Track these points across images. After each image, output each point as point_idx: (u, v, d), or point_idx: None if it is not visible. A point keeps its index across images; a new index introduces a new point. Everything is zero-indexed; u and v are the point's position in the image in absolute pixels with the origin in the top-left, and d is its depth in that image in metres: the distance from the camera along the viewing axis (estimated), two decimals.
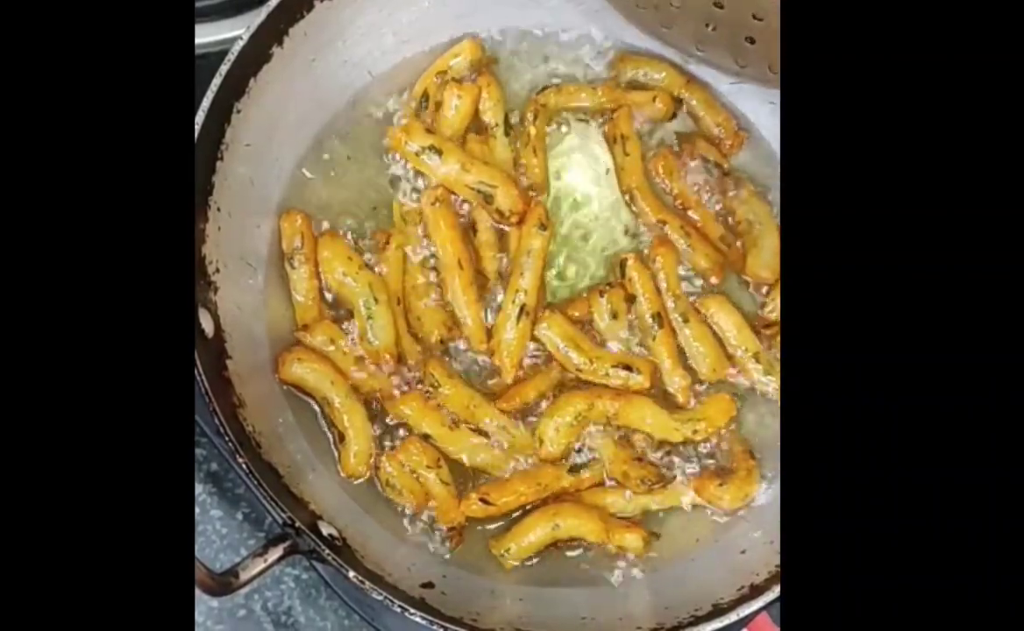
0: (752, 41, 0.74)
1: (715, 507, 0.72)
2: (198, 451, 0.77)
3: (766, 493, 0.72)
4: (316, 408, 0.72)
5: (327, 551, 0.62)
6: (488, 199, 0.76)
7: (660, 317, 0.75)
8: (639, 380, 0.73)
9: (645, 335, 0.75)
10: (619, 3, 0.79)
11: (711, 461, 0.73)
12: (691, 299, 0.77)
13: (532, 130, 0.79)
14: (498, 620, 0.66)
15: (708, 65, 0.80)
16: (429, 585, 0.67)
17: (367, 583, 0.62)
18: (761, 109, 0.82)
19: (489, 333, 0.75)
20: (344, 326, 0.74)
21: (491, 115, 0.80)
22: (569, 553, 0.71)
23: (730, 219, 0.80)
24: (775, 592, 0.64)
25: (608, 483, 0.72)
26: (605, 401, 0.72)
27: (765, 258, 0.78)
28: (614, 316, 0.75)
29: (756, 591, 0.65)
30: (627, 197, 0.80)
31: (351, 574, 0.61)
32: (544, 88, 0.82)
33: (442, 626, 0.62)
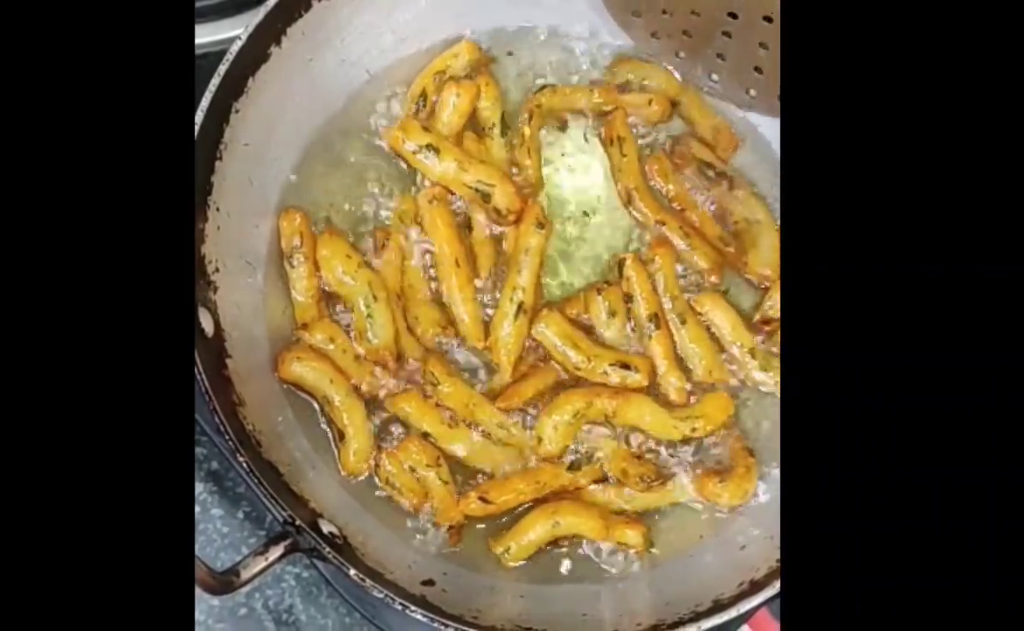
0: (760, 70, 0.75)
1: (714, 504, 0.72)
2: (198, 450, 0.77)
3: (766, 491, 0.73)
4: (316, 407, 0.72)
5: (328, 549, 0.62)
6: (486, 198, 0.76)
7: (657, 317, 0.75)
8: (637, 378, 0.73)
9: (641, 335, 0.75)
10: (636, 33, 0.80)
11: (710, 457, 0.73)
12: (687, 297, 0.77)
13: (526, 130, 0.79)
14: (499, 617, 0.66)
15: (721, 97, 0.81)
16: (430, 582, 0.67)
17: (368, 581, 0.62)
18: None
19: (487, 331, 0.75)
20: (344, 324, 0.74)
21: (489, 114, 0.80)
22: (570, 550, 0.71)
23: (727, 219, 0.80)
24: (775, 588, 0.64)
25: (607, 481, 0.72)
26: (604, 399, 0.72)
27: (765, 256, 0.78)
28: (612, 315, 0.75)
29: (756, 587, 0.65)
30: (625, 199, 0.79)
31: (352, 572, 0.62)
32: (541, 88, 0.82)
33: (443, 623, 0.62)
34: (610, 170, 0.80)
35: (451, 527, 0.70)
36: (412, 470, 0.70)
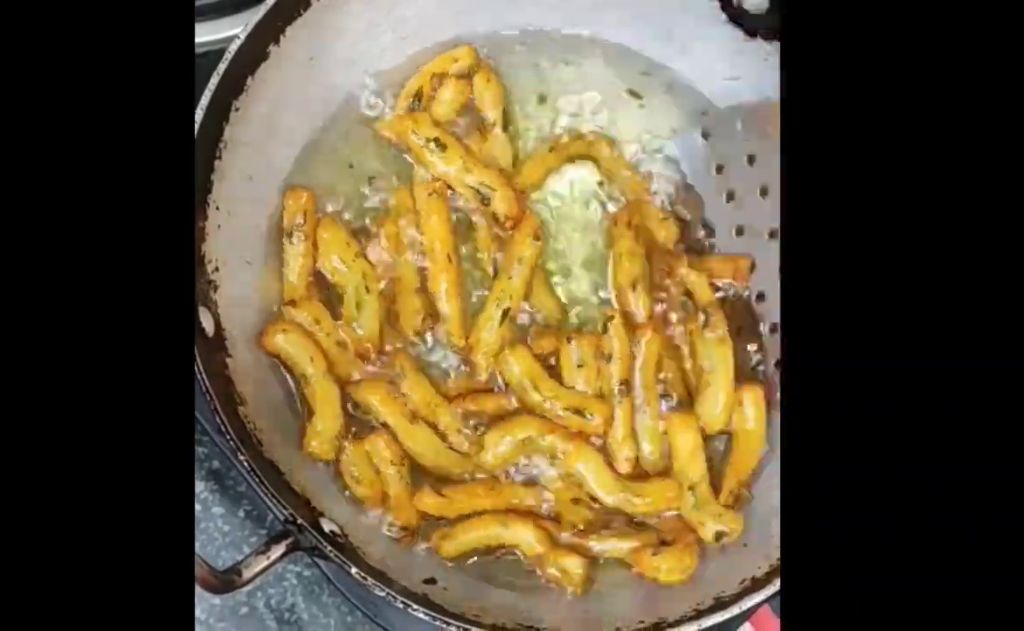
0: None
1: (652, 580, 0.69)
2: (199, 449, 0.77)
3: (767, 491, 0.72)
4: (293, 387, 0.73)
5: (329, 548, 0.62)
6: (485, 201, 0.76)
7: (628, 385, 0.72)
8: (593, 424, 0.71)
9: (610, 395, 0.72)
10: None
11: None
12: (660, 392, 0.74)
13: (542, 151, 0.79)
14: (501, 615, 0.66)
15: None
16: (432, 581, 0.67)
17: (369, 579, 0.62)
18: None
19: (469, 331, 0.74)
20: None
21: (491, 112, 0.79)
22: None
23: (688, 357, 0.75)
24: (777, 585, 0.64)
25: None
26: (556, 437, 0.71)
27: (711, 409, 0.73)
28: (580, 366, 0.73)
29: (758, 584, 0.65)
30: (628, 285, 0.75)
31: (353, 570, 0.62)
32: (577, 134, 0.80)
33: (445, 622, 0.62)
34: (612, 248, 0.77)
35: (404, 528, 0.70)
36: (375, 465, 0.70)
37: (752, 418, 0.73)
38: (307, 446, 0.71)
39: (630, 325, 0.74)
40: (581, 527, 0.70)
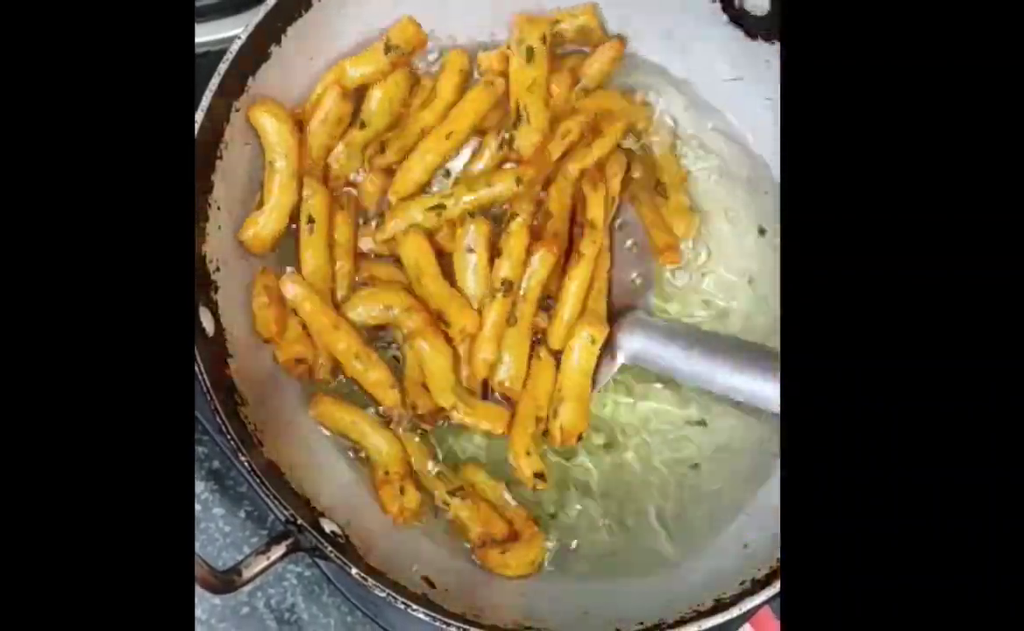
0: None
1: (501, 575, 0.69)
2: (200, 449, 0.77)
3: (767, 488, 0.72)
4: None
5: (329, 548, 0.62)
6: (516, 122, 0.76)
7: (510, 285, 0.71)
8: (451, 331, 0.70)
9: (485, 293, 0.72)
10: None
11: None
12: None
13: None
14: (500, 616, 0.66)
15: None
16: (431, 581, 0.67)
17: (370, 580, 0.62)
18: (763, 114, 0.81)
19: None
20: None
21: (590, 80, 0.80)
22: (568, 545, 0.71)
23: None
24: (777, 587, 0.64)
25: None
26: (413, 317, 0.70)
27: (555, 324, 0.72)
28: (470, 251, 0.72)
29: (758, 585, 0.65)
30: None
31: (354, 571, 0.62)
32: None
33: (445, 622, 0.62)
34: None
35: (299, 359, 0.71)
36: (281, 304, 0.72)
37: (578, 354, 0.71)
38: (242, 231, 0.72)
39: (535, 233, 0.73)
40: (416, 419, 0.71)
